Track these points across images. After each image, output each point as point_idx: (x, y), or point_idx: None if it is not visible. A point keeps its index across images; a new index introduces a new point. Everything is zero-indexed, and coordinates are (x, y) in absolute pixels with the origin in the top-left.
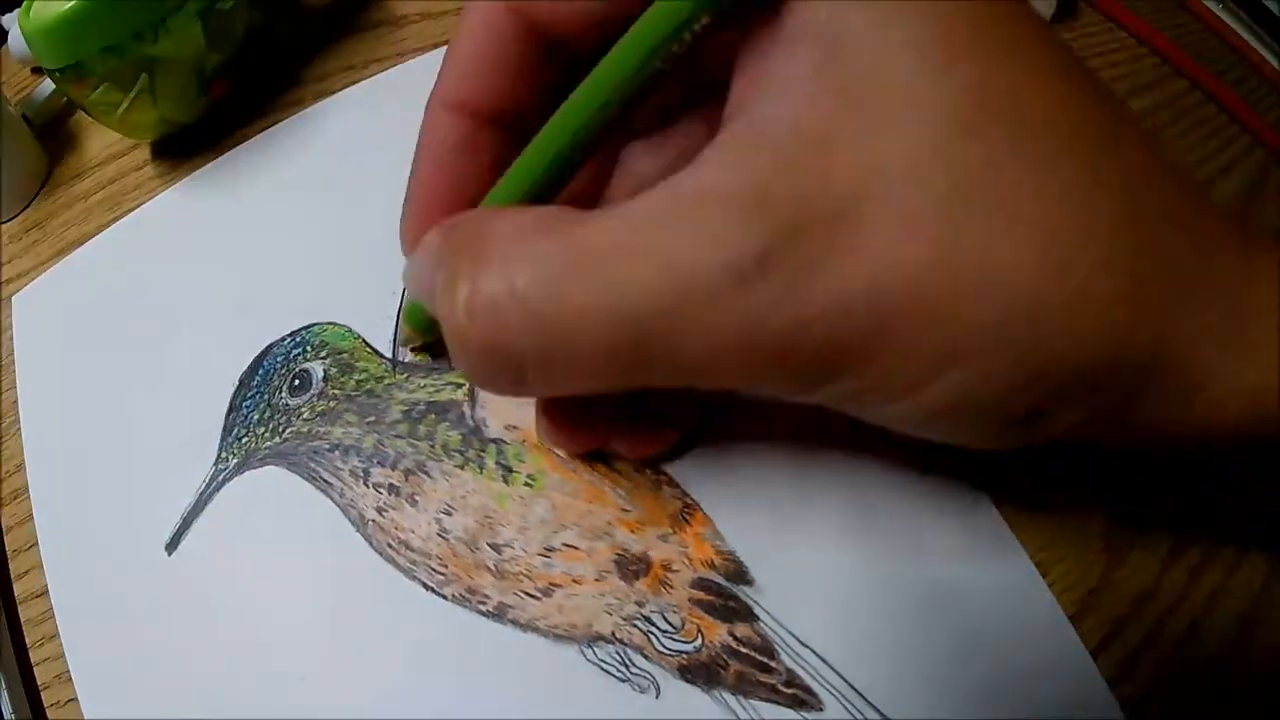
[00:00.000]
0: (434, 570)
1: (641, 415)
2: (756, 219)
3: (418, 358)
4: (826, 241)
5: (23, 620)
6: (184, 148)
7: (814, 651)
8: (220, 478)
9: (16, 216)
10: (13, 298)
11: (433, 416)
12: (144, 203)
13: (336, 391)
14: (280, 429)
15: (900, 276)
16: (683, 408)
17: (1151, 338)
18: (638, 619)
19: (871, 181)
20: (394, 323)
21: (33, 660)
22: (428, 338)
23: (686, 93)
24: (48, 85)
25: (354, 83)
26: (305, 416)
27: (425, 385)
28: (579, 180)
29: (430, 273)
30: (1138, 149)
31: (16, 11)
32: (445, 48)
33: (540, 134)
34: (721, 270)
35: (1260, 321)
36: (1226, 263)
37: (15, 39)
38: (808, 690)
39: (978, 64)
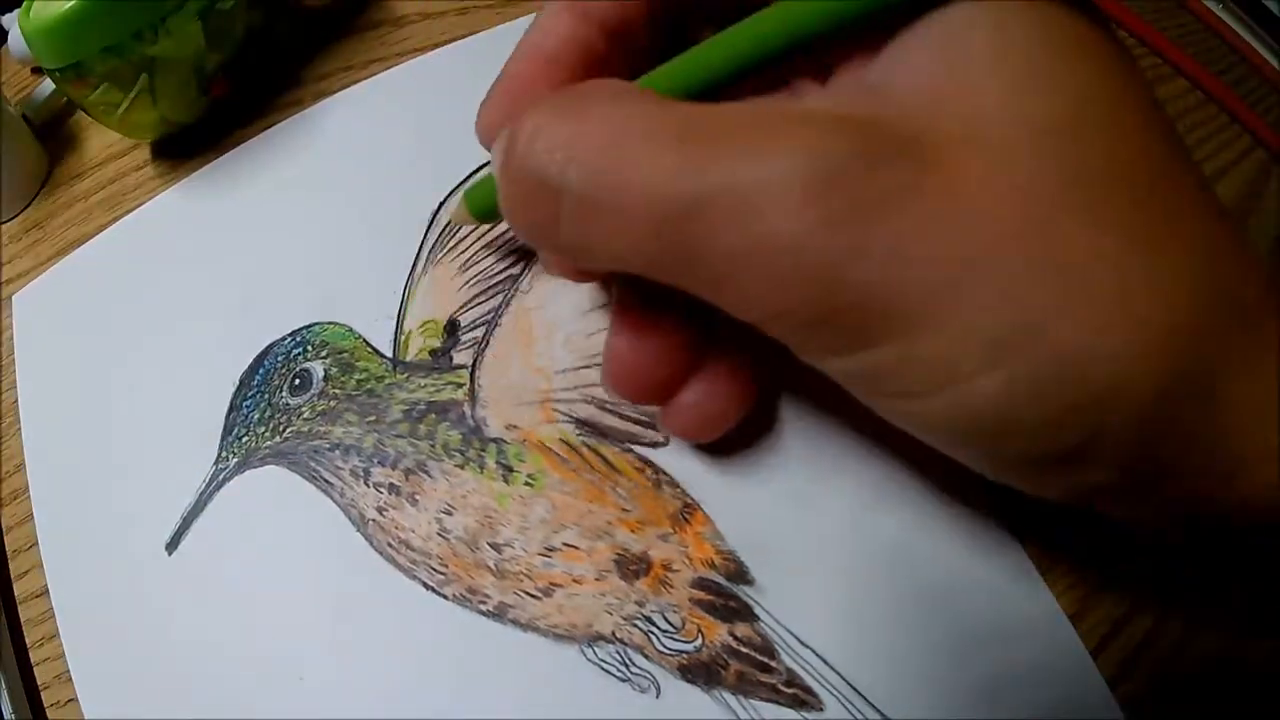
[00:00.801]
0: (434, 570)
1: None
2: (843, 136)
3: (419, 358)
4: (912, 181)
5: (23, 620)
6: (184, 148)
7: (814, 651)
8: (220, 477)
9: (16, 216)
10: (13, 297)
11: (433, 416)
12: (144, 203)
13: (337, 391)
14: (281, 428)
15: (982, 238)
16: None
17: (1209, 389)
18: (638, 619)
19: (970, 142)
20: (394, 323)
21: (33, 660)
22: (480, 220)
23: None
24: (48, 85)
25: (354, 83)
26: (306, 416)
27: (426, 385)
28: None
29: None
30: (1210, 197)
31: (16, 11)
32: (445, 48)
33: (712, 41)
34: (788, 173)
35: None
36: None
37: (15, 39)
38: (808, 690)
39: (1080, 76)
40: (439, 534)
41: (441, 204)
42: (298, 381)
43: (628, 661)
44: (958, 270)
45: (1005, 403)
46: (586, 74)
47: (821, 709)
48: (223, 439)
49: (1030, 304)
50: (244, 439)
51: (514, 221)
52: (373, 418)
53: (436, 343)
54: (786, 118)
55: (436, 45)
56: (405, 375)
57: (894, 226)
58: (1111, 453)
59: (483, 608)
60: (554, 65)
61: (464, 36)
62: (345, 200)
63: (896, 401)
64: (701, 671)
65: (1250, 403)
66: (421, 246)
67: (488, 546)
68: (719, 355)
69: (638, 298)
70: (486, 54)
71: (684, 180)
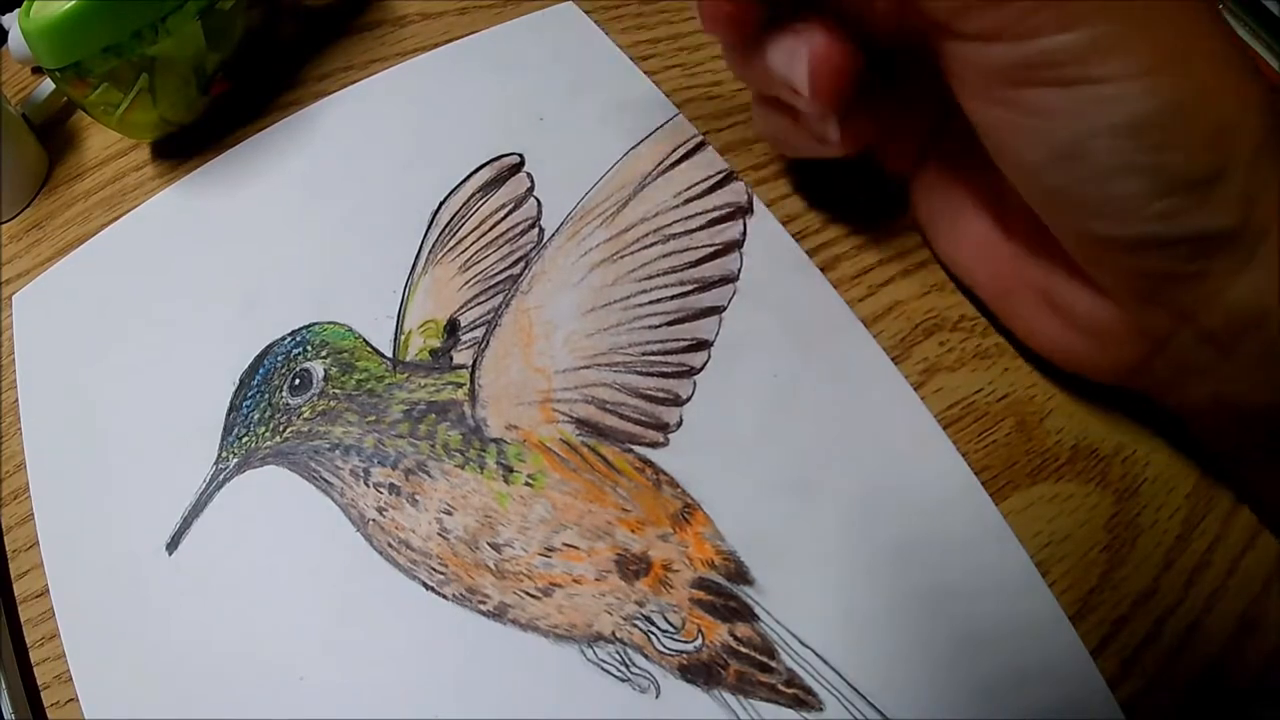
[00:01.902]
0: (434, 570)
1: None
2: None
3: (419, 358)
4: None
5: (23, 620)
6: (184, 148)
7: (814, 651)
8: (220, 477)
9: (16, 216)
10: (13, 297)
11: (433, 416)
12: (144, 203)
13: (337, 391)
14: (281, 428)
15: None
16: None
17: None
18: (638, 618)
19: None
20: (394, 322)
21: (33, 660)
22: None
23: None
24: (48, 85)
25: (354, 82)
26: (306, 416)
27: (425, 385)
28: None
29: None
30: None
31: (16, 11)
32: (445, 48)
33: None
34: None
35: None
36: None
37: (15, 39)
38: (808, 690)
39: None
40: (439, 534)
41: (442, 204)
42: (298, 381)
43: (628, 661)
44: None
45: (1161, 107)
46: None
47: (821, 709)
48: (223, 439)
49: (1186, 33)
50: (244, 439)
51: None
52: (373, 418)
53: (436, 343)
54: None
55: (436, 45)
56: (405, 375)
57: None
58: (1232, 187)
59: (483, 608)
60: None
61: (464, 36)
62: (345, 200)
63: (1066, 92)
64: (701, 671)
65: None
66: (421, 246)
67: (488, 546)
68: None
69: None
70: (486, 54)
71: None
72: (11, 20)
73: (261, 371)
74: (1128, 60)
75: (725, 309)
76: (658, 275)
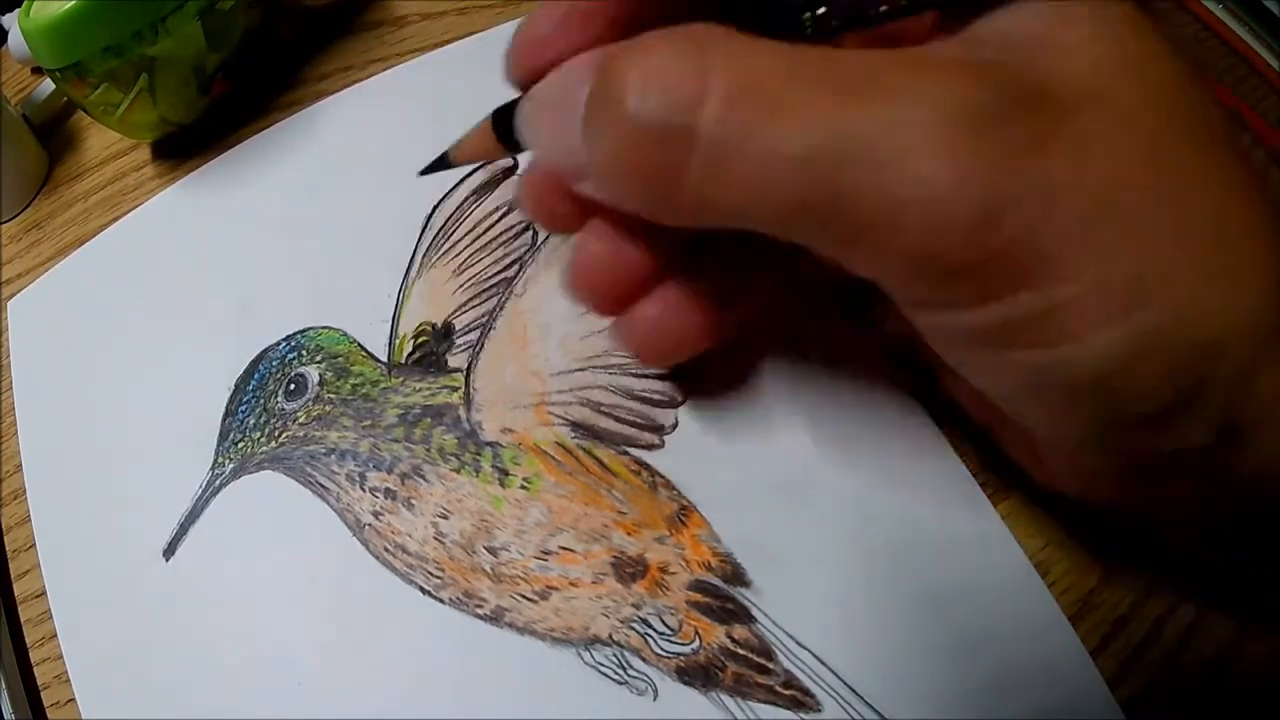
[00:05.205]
0: (431, 574)
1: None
2: (988, 81)
3: (413, 362)
4: (1051, 127)
5: (23, 620)
6: (184, 148)
7: (811, 653)
8: (217, 483)
9: (16, 216)
10: (8, 303)
11: (428, 420)
12: (144, 203)
13: (332, 396)
14: (276, 434)
15: (1118, 181)
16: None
17: None
18: (635, 621)
19: (1094, 80)
20: (389, 326)
21: (33, 660)
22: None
23: None
24: (48, 85)
25: (354, 83)
26: (301, 421)
27: (421, 389)
28: None
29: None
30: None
31: (16, 11)
32: (445, 48)
33: None
34: (944, 115)
35: None
36: None
37: (15, 39)
38: (805, 691)
39: (1165, 44)
40: (435, 538)
41: (436, 206)
42: (293, 386)
43: (625, 664)
44: (1101, 210)
45: (1120, 354)
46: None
47: (819, 710)
48: (219, 444)
49: (1158, 248)
50: (240, 444)
51: (619, 176)
52: (368, 422)
53: (431, 346)
54: (927, 63)
55: (436, 45)
56: (400, 379)
57: (1042, 168)
58: (1210, 407)
59: (479, 611)
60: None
61: (464, 36)
62: (342, 202)
63: (1017, 353)
64: (699, 673)
65: None
66: (416, 250)
67: (484, 550)
68: (685, 277)
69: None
70: (486, 54)
71: (839, 123)
72: (11, 20)
73: (256, 376)
74: (1076, 317)
75: None
76: None
